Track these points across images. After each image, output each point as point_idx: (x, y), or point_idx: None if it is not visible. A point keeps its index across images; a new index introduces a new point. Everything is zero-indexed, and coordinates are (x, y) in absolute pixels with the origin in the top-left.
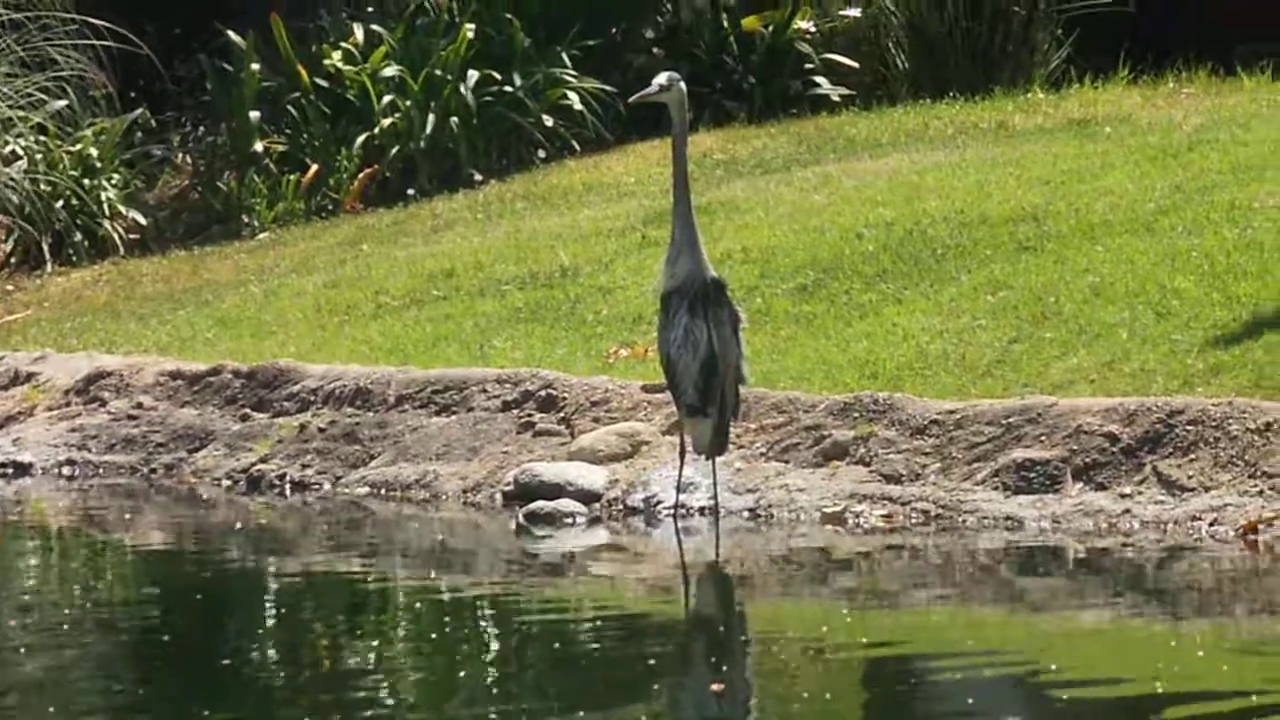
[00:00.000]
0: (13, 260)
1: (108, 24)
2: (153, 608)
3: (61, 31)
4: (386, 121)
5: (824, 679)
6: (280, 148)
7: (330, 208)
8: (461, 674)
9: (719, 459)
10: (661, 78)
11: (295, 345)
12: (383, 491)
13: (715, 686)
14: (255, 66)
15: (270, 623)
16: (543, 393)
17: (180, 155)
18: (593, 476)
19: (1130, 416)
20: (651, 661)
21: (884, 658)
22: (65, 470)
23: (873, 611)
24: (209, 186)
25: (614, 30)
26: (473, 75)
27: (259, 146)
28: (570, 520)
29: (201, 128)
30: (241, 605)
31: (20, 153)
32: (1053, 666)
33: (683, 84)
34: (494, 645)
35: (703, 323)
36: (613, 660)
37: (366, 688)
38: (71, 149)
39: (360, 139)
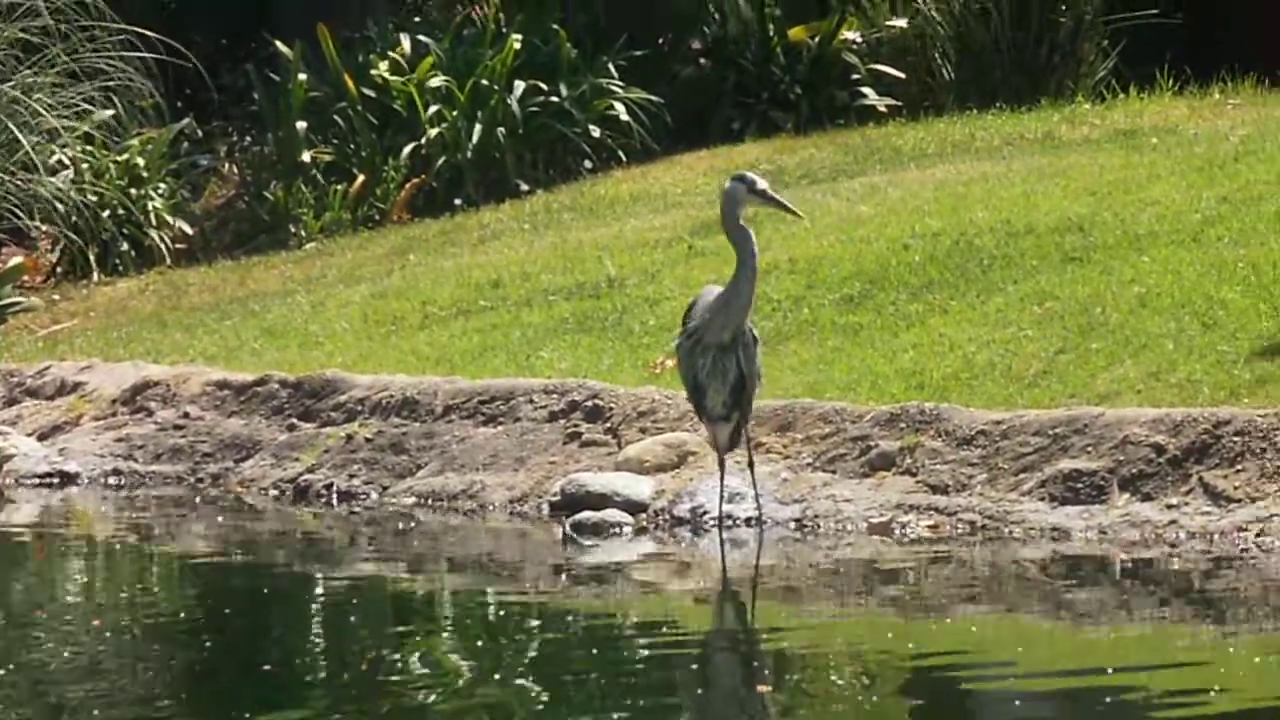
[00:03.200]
0: (59, 270)
1: (155, 34)
2: (198, 616)
3: (109, 42)
4: (433, 132)
5: (868, 687)
6: (327, 158)
7: (377, 218)
8: (509, 681)
9: (764, 470)
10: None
11: (342, 355)
12: (429, 502)
13: (762, 688)
14: (302, 76)
15: (316, 631)
16: (589, 403)
17: (227, 165)
18: (639, 487)
19: (1177, 427)
20: (695, 666)
21: (929, 667)
22: (111, 480)
23: (918, 621)
24: (256, 196)
25: (660, 41)
26: (519, 86)
27: (306, 156)
28: (616, 530)
29: (248, 137)
30: (287, 614)
31: (67, 162)
32: (1102, 675)
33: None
34: (542, 652)
35: (732, 355)
36: (659, 666)
37: (413, 696)
38: (118, 159)
39: (407, 149)
